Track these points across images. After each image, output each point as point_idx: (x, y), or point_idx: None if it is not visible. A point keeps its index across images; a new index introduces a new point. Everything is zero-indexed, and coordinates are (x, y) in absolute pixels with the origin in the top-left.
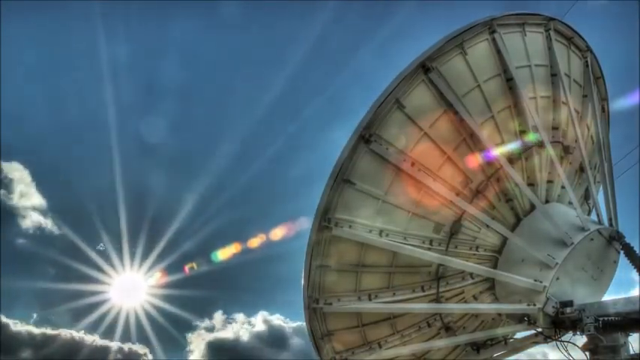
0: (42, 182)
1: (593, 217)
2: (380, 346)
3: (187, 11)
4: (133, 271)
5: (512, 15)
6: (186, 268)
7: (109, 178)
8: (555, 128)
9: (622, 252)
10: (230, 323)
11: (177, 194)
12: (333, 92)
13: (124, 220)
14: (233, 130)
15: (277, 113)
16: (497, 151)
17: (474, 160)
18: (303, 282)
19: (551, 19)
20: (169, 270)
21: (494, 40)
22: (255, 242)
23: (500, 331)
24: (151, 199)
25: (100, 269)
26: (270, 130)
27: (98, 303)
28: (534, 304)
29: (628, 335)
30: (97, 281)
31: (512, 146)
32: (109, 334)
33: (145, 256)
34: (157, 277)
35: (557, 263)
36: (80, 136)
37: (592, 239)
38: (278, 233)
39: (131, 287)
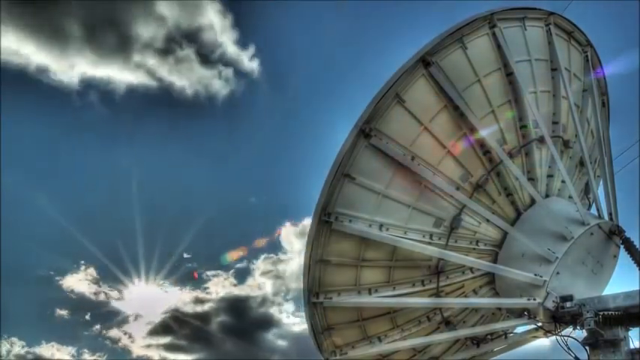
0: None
1: (593, 211)
2: (380, 341)
3: None
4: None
5: (513, 9)
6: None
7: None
8: (555, 122)
9: (622, 246)
10: None
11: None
12: (334, 88)
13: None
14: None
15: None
16: (497, 146)
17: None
18: (303, 276)
19: (552, 13)
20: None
21: (494, 34)
22: (260, 243)
23: (500, 326)
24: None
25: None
26: (271, 127)
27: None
28: (534, 299)
29: (628, 330)
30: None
31: (513, 140)
32: None
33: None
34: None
35: (557, 257)
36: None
37: (592, 233)
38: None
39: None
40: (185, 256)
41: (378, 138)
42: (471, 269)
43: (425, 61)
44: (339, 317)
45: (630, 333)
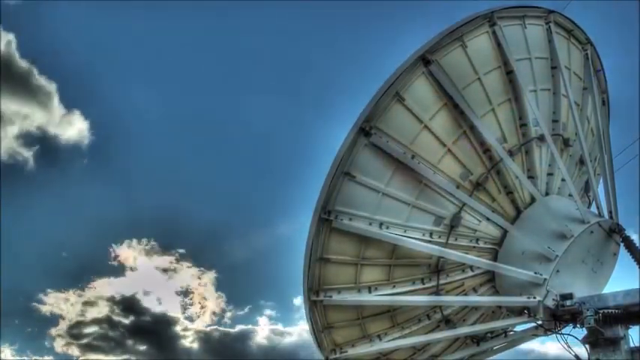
0: None
1: (593, 209)
2: (380, 339)
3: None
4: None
5: (513, 8)
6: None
7: None
8: (555, 121)
9: (622, 244)
10: None
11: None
12: (333, 85)
13: None
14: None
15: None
16: (497, 144)
17: (474, 152)
18: (303, 275)
19: (552, 11)
20: None
21: (494, 32)
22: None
23: (500, 324)
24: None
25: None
26: (269, 123)
27: None
28: (534, 297)
29: (628, 328)
30: None
31: (512, 139)
32: None
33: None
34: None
35: (557, 256)
36: None
37: (592, 232)
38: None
39: None
40: (64, 254)
41: (378, 136)
42: (471, 267)
43: (425, 59)
44: (338, 315)
45: (630, 331)
